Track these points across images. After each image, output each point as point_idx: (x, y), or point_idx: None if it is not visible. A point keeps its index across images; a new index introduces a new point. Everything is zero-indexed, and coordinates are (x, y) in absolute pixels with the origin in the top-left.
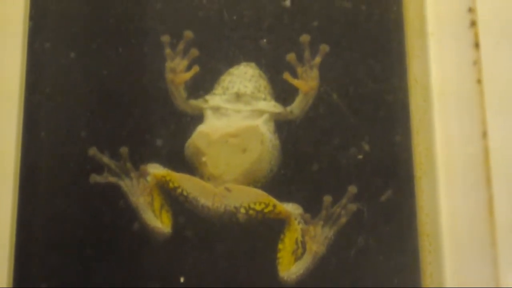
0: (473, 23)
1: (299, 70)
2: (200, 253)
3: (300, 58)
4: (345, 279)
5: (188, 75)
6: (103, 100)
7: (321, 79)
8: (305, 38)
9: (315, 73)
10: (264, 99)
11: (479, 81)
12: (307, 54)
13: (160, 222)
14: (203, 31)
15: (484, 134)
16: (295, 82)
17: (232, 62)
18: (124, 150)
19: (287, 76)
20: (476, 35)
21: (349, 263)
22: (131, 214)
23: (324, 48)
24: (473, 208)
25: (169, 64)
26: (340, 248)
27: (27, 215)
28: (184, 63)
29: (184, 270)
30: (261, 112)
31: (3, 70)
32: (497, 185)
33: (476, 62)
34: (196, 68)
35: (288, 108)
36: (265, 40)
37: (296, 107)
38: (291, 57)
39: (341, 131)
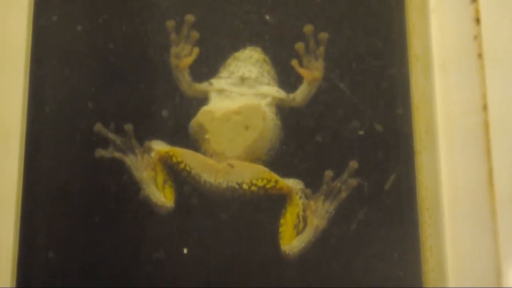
0: None
1: (305, 59)
2: (203, 226)
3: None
4: (345, 253)
5: (191, 59)
6: (109, 74)
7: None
8: (308, 28)
9: (320, 63)
10: (268, 84)
11: (479, 56)
12: (312, 44)
13: (163, 196)
14: (207, 10)
15: (484, 108)
16: (301, 70)
17: (236, 42)
18: (129, 127)
19: (294, 63)
20: (477, 11)
21: (350, 236)
22: (135, 187)
23: (324, 36)
24: (473, 181)
25: (173, 50)
26: (341, 221)
27: (33, 186)
28: (188, 47)
29: (187, 242)
30: (264, 96)
31: (10, 43)
32: (497, 158)
33: (477, 37)
34: (196, 51)
35: (291, 95)
36: (267, 17)
37: (299, 94)
38: (299, 46)
39: (342, 107)
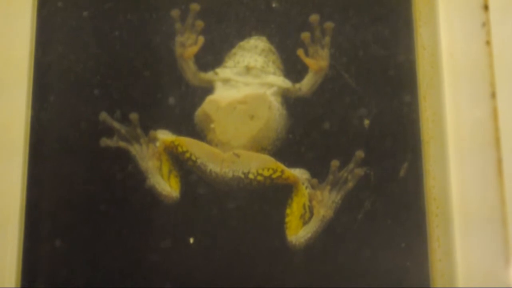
0: None
1: (311, 49)
2: (209, 215)
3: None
4: (352, 243)
5: (196, 48)
6: (114, 61)
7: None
8: (314, 18)
9: (326, 52)
10: (274, 74)
11: (487, 43)
12: (317, 33)
13: (168, 186)
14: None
15: (493, 95)
16: (307, 60)
17: (242, 31)
18: (134, 116)
19: (300, 53)
20: None
21: (356, 226)
22: (141, 176)
23: (330, 25)
24: (481, 170)
25: (178, 39)
26: (347, 211)
27: (38, 175)
28: (193, 36)
29: (194, 231)
30: (269, 85)
31: (14, 30)
32: (506, 146)
33: (485, 24)
34: (201, 39)
35: (297, 85)
36: (274, 4)
37: (305, 84)
38: (305, 35)
39: (349, 95)
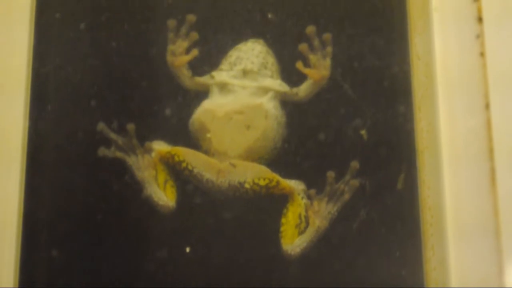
0: None
1: (312, 58)
2: (205, 225)
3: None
4: (347, 252)
5: (187, 58)
6: (111, 72)
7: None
8: (310, 29)
9: (327, 62)
10: (271, 77)
11: (482, 54)
12: (316, 43)
13: (164, 196)
14: (209, 8)
15: (487, 107)
16: (307, 71)
17: (239, 37)
18: (131, 127)
19: (299, 65)
20: (479, 9)
21: (351, 235)
22: (138, 186)
23: (328, 37)
24: (475, 180)
25: (170, 47)
26: (343, 220)
27: (35, 184)
28: (184, 45)
29: (190, 241)
30: (267, 90)
31: (12, 41)
32: (499, 157)
33: (479, 36)
34: (195, 52)
35: (295, 90)
36: (270, 15)
37: (303, 90)
38: (303, 47)
39: (344, 106)
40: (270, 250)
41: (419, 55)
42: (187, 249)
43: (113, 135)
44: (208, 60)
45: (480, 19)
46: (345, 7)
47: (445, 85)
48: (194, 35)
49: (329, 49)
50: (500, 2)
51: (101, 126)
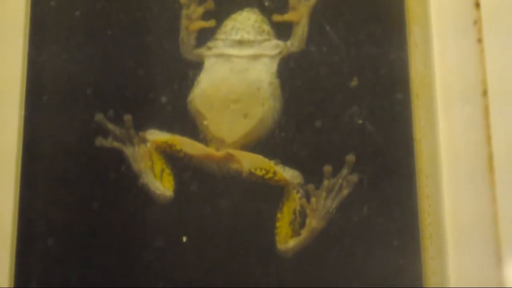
0: None
1: (291, 1)
2: (202, 214)
3: None
4: (345, 241)
5: (203, 24)
6: (107, 60)
7: (322, 40)
8: None
9: (311, 1)
10: (268, 40)
11: (479, 41)
12: None
13: (161, 186)
14: None
15: (484, 93)
16: (286, 17)
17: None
18: (128, 117)
19: (276, 17)
20: None
21: (349, 225)
22: (134, 176)
23: None
24: (473, 168)
25: (185, 11)
26: (340, 209)
27: (32, 174)
28: (200, 10)
29: (187, 230)
30: (264, 56)
31: (7, 28)
32: (497, 143)
33: (477, 22)
34: (212, 22)
35: (288, 43)
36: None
37: (294, 38)
38: None
39: (341, 93)
40: (268, 239)
41: (416, 42)
42: (184, 239)
43: (110, 126)
44: (203, 30)
45: (477, 5)
46: None
47: (442, 73)
48: (210, 4)
49: None
50: None
51: (99, 117)
